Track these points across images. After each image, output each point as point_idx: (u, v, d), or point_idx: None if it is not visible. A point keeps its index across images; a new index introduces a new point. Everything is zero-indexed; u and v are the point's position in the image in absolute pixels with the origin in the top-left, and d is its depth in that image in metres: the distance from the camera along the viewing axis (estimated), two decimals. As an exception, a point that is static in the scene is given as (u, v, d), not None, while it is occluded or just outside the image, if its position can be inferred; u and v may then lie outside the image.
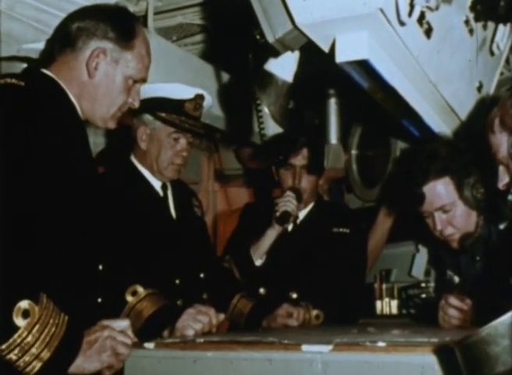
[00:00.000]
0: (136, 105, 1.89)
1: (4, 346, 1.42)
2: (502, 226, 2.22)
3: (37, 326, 1.45)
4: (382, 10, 1.68)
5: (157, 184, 2.53)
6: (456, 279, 2.48)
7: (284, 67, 2.26)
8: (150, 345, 1.79)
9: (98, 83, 1.79)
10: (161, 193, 2.53)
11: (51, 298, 1.50)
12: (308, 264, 2.78)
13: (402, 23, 1.74)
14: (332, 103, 2.46)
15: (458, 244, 2.33)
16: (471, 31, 2.17)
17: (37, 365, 1.45)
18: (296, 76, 2.27)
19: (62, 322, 1.50)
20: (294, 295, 2.73)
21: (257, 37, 1.98)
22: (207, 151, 4.45)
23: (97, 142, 3.60)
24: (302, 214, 2.90)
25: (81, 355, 1.52)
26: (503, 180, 1.83)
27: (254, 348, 1.63)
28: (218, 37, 3.11)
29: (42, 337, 1.45)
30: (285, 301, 2.64)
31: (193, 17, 2.90)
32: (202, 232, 2.73)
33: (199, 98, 2.50)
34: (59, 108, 1.73)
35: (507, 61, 2.86)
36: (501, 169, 1.83)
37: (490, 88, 2.46)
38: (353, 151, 3.59)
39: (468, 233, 2.29)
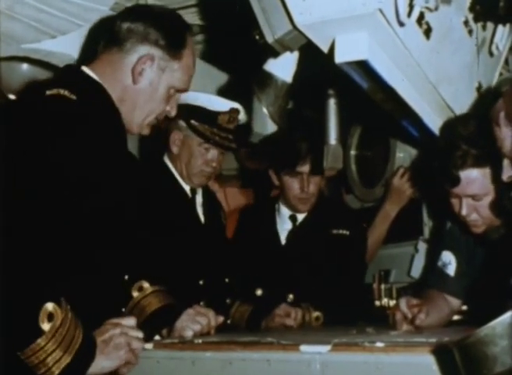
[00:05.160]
0: (173, 113, 1.87)
1: (28, 349, 1.41)
2: None
3: (59, 330, 1.45)
4: (381, 11, 1.68)
5: (187, 187, 2.61)
6: (452, 270, 2.41)
7: (283, 67, 2.26)
8: (148, 346, 1.79)
9: (141, 90, 1.76)
10: (190, 196, 2.61)
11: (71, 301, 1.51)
12: (307, 265, 2.78)
13: (401, 24, 1.74)
14: (332, 103, 2.46)
15: (479, 230, 2.21)
16: (470, 32, 2.17)
17: (57, 370, 1.44)
18: (296, 76, 2.27)
19: (79, 326, 1.50)
20: (291, 296, 2.73)
21: (257, 37, 1.98)
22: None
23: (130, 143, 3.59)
24: (302, 214, 2.89)
25: (99, 354, 1.53)
26: (507, 173, 1.81)
27: (253, 349, 1.63)
28: (217, 37, 3.12)
29: (64, 341, 1.45)
30: (283, 303, 2.64)
31: (192, 18, 2.90)
32: (225, 241, 2.81)
33: (234, 112, 2.53)
34: (107, 121, 1.71)
35: (506, 61, 2.85)
36: (505, 162, 1.81)
37: (489, 89, 2.46)
38: (353, 152, 3.58)
39: (494, 226, 2.19)
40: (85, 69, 1.77)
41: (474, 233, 2.25)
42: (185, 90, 1.86)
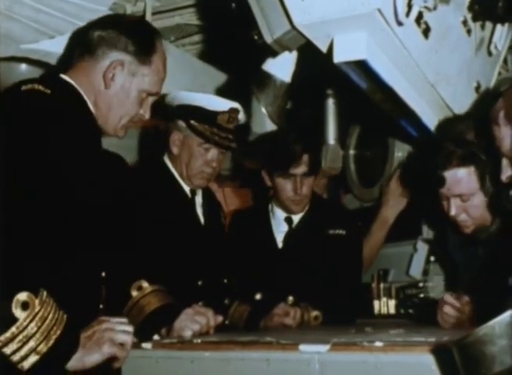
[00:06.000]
0: (147, 117, 1.95)
1: (2, 338, 1.42)
2: None
3: (36, 319, 1.45)
4: (379, 10, 1.68)
5: (187, 188, 2.61)
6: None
7: (282, 67, 2.27)
8: (147, 345, 1.79)
9: (113, 94, 1.85)
10: (190, 196, 2.61)
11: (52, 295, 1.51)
12: (304, 266, 2.77)
13: (400, 23, 1.75)
14: (330, 103, 2.46)
15: (470, 231, 2.24)
16: (468, 31, 2.18)
17: (33, 358, 1.44)
18: (294, 76, 2.27)
19: (62, 318, 1.50)
20: (291, 298, 2.73)
21: (255, 37, 1.99)
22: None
23: (129, 144, 3.60)
24: (298, 216, 2.89)
25: (80, 349, 1.53)
26: (506, 173, 1.81)
27: (252, 348, 1.63)
28: (216, 37, 3.12)
29: (41, 330, 1.45)
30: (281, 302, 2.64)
31: (191, 17, 2.90)
32: (224, 241, 2.79)
33: (233, 112, 2.52)
34: (80, 117, 1.78)
35: (505, 61, 2.86)
36: (504, 162, 1.81)
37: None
38: (352, 151, 3.58)
39: (484, 225, 2.22)
40: (62, 75, 1.85)
41: (464, 233, 2.27)
42: (157, 93, 1.93)
